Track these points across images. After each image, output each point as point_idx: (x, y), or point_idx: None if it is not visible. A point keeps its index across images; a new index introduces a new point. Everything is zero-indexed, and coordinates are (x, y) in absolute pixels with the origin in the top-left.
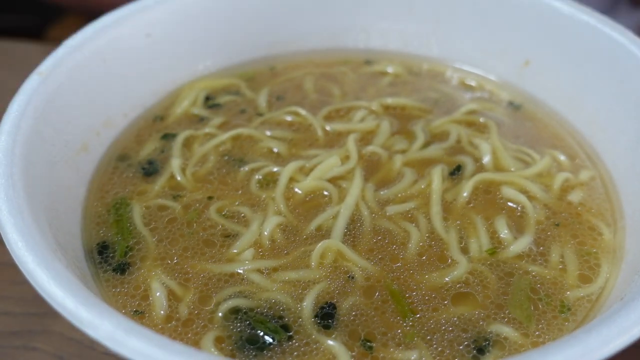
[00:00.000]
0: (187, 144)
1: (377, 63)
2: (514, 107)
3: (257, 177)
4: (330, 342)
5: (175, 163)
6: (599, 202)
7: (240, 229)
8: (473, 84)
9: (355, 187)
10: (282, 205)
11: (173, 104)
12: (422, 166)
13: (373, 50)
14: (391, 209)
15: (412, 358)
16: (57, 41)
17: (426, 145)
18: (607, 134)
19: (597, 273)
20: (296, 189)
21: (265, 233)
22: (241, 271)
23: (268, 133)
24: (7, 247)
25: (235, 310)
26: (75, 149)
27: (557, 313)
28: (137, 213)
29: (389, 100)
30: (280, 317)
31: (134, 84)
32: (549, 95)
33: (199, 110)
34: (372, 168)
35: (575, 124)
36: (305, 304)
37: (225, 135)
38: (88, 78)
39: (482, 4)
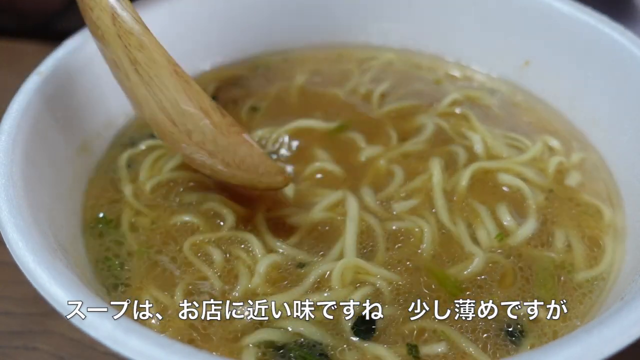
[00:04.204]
0: None
1: (377, 61)
2: (509, 100)
3: None
4: (377, 352)
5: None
6: (597, 187)
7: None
8: (473, 84)
9: (352, 209)
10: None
11: None
12: (408, 161)
13: (373, 50)
14: (397, 207)
15: (441, 350)
16: (57, 41)
17: (403, 139)
18: (607, 134)
19: (602, 253)
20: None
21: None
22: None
23: None
24: (7, 246)
25: (269, 345)
26: (75, 149)
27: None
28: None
29: (389, 107)
30: (320, 344)
31: None
32: (549, 95)
33: None
34: (358, 176)
35: (576, 123)
36: (341, 326)
37: None
38: (88, 78)
39: (482, 4)
